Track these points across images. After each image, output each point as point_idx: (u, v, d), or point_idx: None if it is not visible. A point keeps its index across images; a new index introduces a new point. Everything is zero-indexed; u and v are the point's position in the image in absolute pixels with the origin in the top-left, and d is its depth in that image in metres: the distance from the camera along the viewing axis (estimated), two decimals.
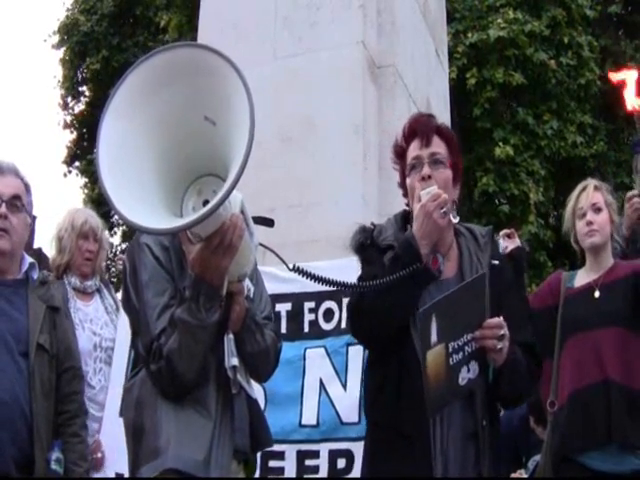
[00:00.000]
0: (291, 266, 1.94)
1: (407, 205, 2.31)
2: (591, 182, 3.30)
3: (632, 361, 2.95)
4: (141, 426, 1.91)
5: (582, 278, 3.23)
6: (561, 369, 3.08)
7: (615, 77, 3.53)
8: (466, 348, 1.96)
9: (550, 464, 3.02)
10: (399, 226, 2.27)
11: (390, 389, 2.09)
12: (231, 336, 1.96)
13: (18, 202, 2.57)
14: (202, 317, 1.83)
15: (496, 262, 2.20)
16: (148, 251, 1.96)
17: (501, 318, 2.01)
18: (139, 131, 1.76)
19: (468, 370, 1.97)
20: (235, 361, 1.94)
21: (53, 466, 2.45)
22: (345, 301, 3.21)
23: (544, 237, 11.10)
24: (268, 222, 2.08)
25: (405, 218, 2.30)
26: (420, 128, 2.25)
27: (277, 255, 1.96)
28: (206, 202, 1.81)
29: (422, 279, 2.07)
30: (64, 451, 2.54)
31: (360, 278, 2.20)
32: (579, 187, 3.30)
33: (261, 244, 1.99)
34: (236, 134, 1.66)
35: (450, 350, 1.92)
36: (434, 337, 1.88)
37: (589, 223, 3.16)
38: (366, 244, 2.25)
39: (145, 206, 1.71)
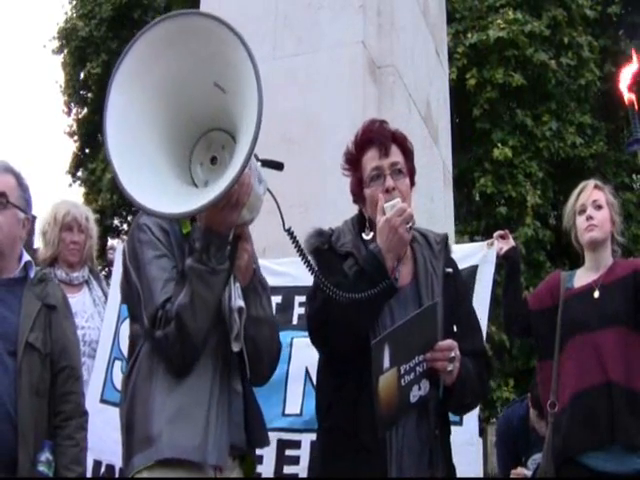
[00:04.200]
0: (287, 227, 1.97)
1: (360, 211, 2.30)
2: (592, 181, 3.30)
3: (634, 361, 2.94)
4: (133, 415, 1.90)
5: (581, 278, 3.22)
6: (562, 370, 3.07)
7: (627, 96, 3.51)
8: (417, 368, 2.00)
9: (552, 465, 3.01)
10: (356, 231, 2.25)
11: (347, 397, 2.09)
12: (238, 284, 1.97)
13: (3, 199, 2.53)
14: (213, 265, 1.87)
15: (450, 270, 2.22)
16: (149, 231, 1.98)
17: (452, 341, 2.04)
18: (144, 98, 1.82)
19: (419, 388, 2.02)
20: (241, 302, 1.94)
21: (40, 467, 2.40)
22: None
23: (543, 237, 11.10)
24: (276, 165, 2.04)
25: (361, 223, 2.28)
26: (377, 137, 2.23)
27: (279, 208, 1.99)
28: (214, 159, 1.93)
29: (388, 293, 2.08)
30: (57, 454, 2.48)
31: (316, 283, 2.13)
32: (580, 186, 3.29)
33: (268, 190, 2.00)
34: (245, 99, 1.73)
35: (402, 372, 1.97)
36: (386, 363, 1.92)
37: (589, 218, 3.15)
38: (323, 248, 2.22)
39: (155, 180, 1.78)
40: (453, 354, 2.01)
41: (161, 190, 1.80)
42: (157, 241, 1.97)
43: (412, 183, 2.27)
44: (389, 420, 2.00)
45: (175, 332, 1.84)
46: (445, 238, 2.31)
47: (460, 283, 2.30)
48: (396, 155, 2.21)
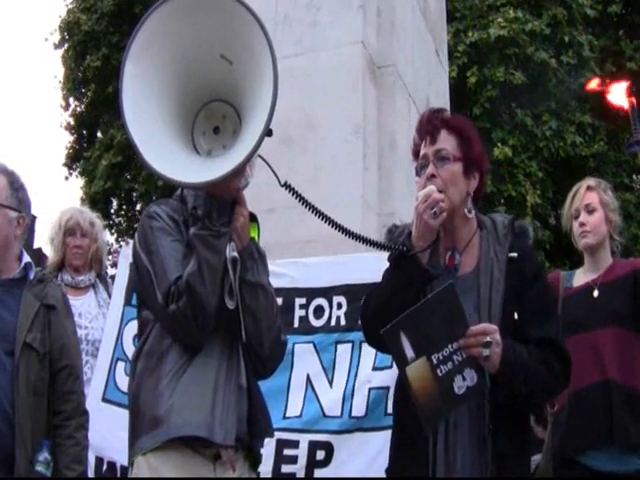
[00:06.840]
0: (282, 182, 2.04)
1: None
2: (585, 183, 3.30)
3: (632, 361, 2.95)
4: (139, 397, 1.97)
5: (580, 278, 3.23)
6: None
7: (592, 87, 3.57)
8: (455, 357, 1.94)
9: (551, 465, 3.02)
10: None
11: (400, 389, 2.11)
12: (233, 243, 2.03)
13: None
14: (216, 229, 1.97)
15: (514, 255, 2.13)
16: (160, 219, 2.06)
17: (487, 325, 1.97)
18: (155, 71, 1.92)
19: (464, 379, 1.94)
20: (235, 254, 2.01)
21: (38, 467, 2.42)
22: (335, 299, 3.25)
23: (542, 238, 11.09)
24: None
25: None
26: (424, 126, 2.23)
27: (270, 168, 2.05)
28: (216, 129, 2.05)
29: (414, 275, 2.05)
30: (58, 454, 2.50)
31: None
32: (574, 188, 3.31)
33: (260, 155, 2.05)
34: (252, 72, 1.83)
35: (435, 362, 1.92)
36: (410, 352, 1.90)
37: (581, 224, 3.18)
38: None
39: (167, 149, 1.89)
40: (488, 338, 1.91)
41: (175, 159, 1.90)
42: (168, 227, 2.05)
43: (470, 168, 2.17)
44: (434, 413, 1.94)
45: (187, 301, 1.91)
46: (511, 222, 2.22)
47: (528, 267, 2.16)
48: (444, 142, 2.17)
